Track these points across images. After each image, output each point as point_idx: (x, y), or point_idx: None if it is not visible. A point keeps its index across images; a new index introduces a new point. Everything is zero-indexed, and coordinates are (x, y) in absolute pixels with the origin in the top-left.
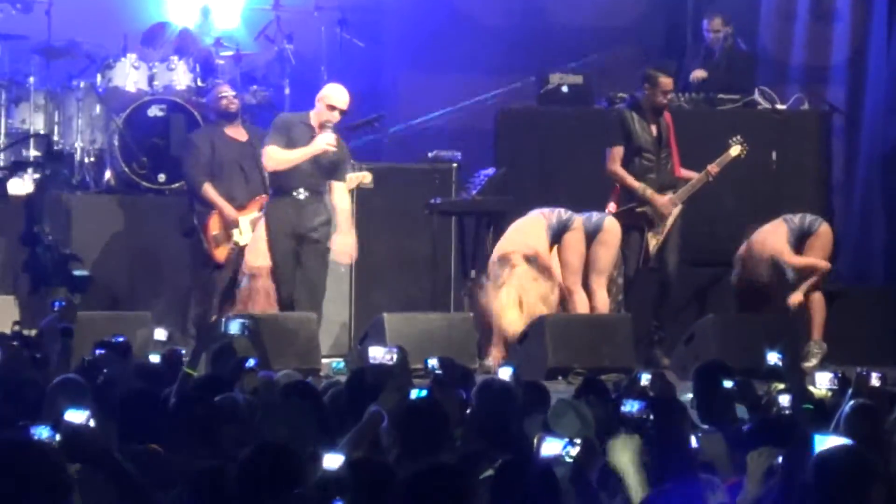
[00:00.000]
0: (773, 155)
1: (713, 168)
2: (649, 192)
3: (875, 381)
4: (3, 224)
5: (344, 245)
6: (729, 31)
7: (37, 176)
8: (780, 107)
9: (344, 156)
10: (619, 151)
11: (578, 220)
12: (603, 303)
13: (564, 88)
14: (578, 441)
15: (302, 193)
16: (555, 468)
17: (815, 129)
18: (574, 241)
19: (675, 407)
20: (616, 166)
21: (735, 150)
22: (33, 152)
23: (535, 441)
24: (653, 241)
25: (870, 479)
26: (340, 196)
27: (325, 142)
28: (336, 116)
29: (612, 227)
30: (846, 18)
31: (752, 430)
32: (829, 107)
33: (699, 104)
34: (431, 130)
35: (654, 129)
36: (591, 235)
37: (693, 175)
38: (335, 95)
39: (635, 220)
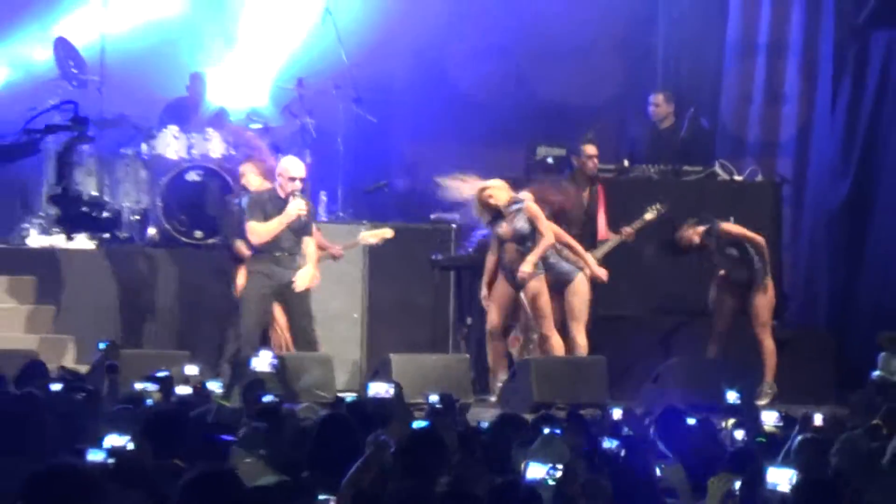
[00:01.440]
0: (731, 219)
1: (627, 230)
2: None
3: (818, 420)
4: (68, 275)
5: (303, 274)
6: (671, 108)
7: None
8: (737, 177)
9: (310, 215)
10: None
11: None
12: (582, 347)
13: (549, 160)
14: (560, 466)
15: (280, 254)
16: (540, 491)
17: (767, 197)
18: (539, 288)
19: (643, 444)
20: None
21: (650, 215)
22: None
23: (522, 466)
24: None
25: None
26: (308, 245)
27: (297, 208)
28: (298, 185)
29: (581, 279)
30: (794, 101)
31: (711, 459)
32: (779, 177)
33: (667, 175)
34: (433, 195)
35: (585, 197)
36: (562, 285)
37: (611, 235)
38: (292, 167)
39: None
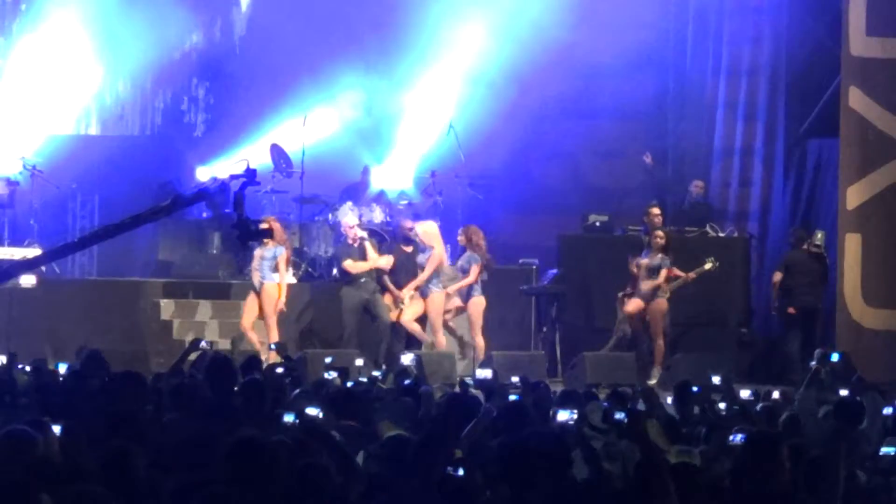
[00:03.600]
0: (717, 262)
1: (691, 275)
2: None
3: (776, 395)
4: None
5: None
6: (702, 191)
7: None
8: (721, 235)
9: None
10: (635, 260)
11: None
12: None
13: (598, 223)
14: (576, 411)
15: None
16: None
17: (741, 247)
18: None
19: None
20: (633, 267)
21: (708, 265)
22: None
23: (551, 413)
24: None
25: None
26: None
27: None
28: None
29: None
30: (758, 186)
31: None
32: (749, 235)
33: (673, 234)
34: (521, 246)
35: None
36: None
37: (680, 275)
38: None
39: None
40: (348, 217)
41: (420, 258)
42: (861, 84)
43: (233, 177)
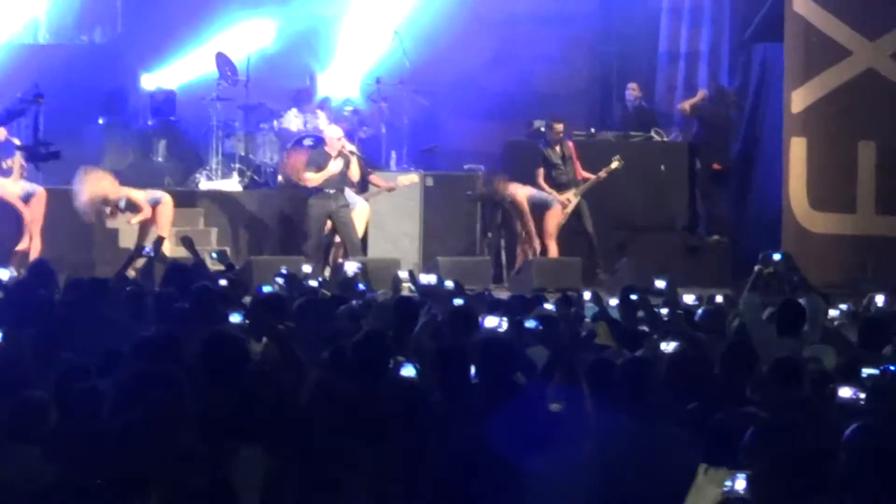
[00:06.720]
0: (662, 166)
1: (601, 174)
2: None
3: (719, 299)
4: (225, 208)
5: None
6: (639, 94)
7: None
8: (665, 139)
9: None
10: (541, 171)
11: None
12: None
13: (542, 129)
14: (506, 318)
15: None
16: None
17: (685, 151)
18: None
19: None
20: (540, 179)
21: (615, 164)
22: None
23: (480, 318)
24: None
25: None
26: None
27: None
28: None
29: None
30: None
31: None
32: (693, 139)
33: (619, 138)
34: (468, 153)
35: (560, 152)
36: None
37: (590, 177)
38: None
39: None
40: (332, 129)
41: None
42: None
43: (22, 100)
